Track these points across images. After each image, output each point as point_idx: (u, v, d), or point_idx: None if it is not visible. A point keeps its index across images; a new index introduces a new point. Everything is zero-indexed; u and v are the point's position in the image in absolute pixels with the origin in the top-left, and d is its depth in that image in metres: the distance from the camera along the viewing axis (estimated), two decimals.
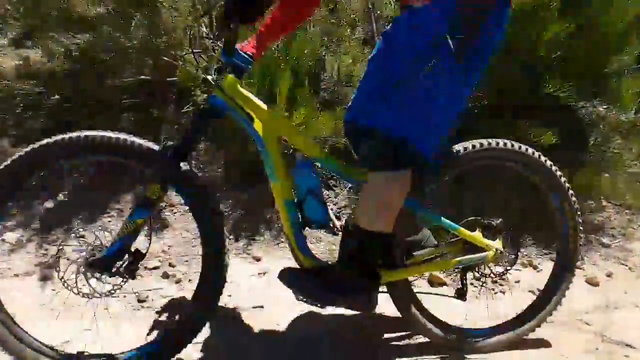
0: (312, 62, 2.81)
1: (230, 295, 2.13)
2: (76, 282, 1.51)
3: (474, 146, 1.70)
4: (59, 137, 1.48)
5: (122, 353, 1.61)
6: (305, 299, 1.61)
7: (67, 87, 2.71)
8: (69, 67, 2.80)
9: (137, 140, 1.52)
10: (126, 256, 1.53)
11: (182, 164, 1.54)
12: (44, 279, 2.12)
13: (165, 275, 2.24)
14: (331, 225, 1.69)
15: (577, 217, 1.84)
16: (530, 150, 1.75)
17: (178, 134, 2.72)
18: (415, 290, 1.84)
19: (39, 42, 2.91)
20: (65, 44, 2.79)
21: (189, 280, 2.21)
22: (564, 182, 1.81)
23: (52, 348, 1.59)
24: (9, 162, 1.48)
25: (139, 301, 2.05)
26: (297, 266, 1.70)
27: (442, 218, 1.73)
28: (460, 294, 1.85)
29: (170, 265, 2.32)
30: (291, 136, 1.65)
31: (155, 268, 2.28)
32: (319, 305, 1.63)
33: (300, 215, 1.65)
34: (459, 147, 1.71)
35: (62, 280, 1.53)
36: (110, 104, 2.79)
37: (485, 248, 1.79)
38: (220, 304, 1.67)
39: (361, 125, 1.52)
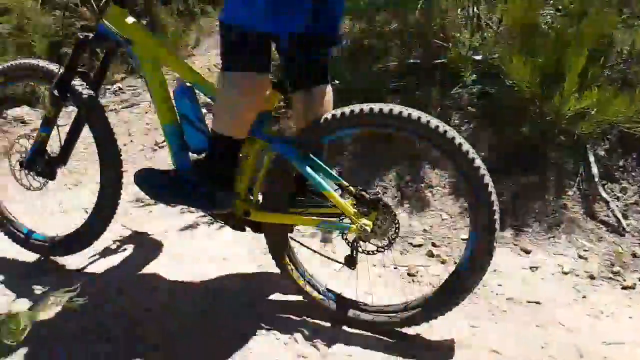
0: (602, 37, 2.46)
1: (500, 285, 2.03)
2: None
3: (371, 109, 1.52)
4: None
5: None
6: (151, 198, 1.82)
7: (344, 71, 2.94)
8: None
9: (44, 64, 1.95)
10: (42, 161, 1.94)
11: (75, 83, 1.84)
12: None
13: (430, 254, 2.25)
14: None
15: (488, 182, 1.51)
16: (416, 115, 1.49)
17: None
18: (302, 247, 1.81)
19: None
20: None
21: (454, 262, 2.18)
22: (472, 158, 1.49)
23: None
24: None
25: (409, 275, 2.11)
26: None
27: (315, 174, 1.57)
28: (349, 262, 1.68)
29: (434, 245, 2.33)
30: (167, 60, 1.72)
31: (419, 246, 2.33)
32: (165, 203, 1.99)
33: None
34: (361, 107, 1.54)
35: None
36: (376, 88, 2.94)
37: (351, 219, 1.58)
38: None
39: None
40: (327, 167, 1.61)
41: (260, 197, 1.73)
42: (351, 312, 1.73)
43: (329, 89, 1.76)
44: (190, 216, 2.47)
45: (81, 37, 1.82)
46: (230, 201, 1.68)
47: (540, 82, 2.27)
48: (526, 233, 2.33)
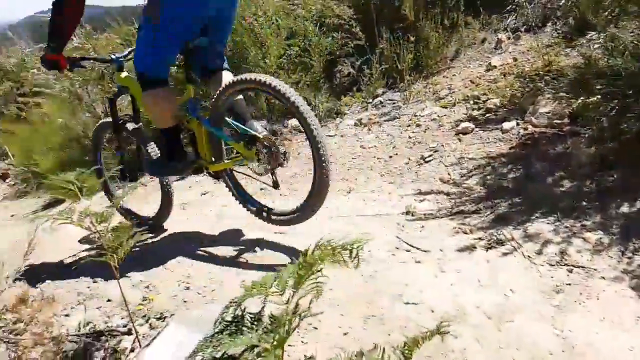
0: None
1: None
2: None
3: (241, 79, 2.32)
4: None
5: None
6: (151, 175, 3.08)
7: None
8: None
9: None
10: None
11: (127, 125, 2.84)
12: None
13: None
14: None
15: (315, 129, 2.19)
16: (276, 83, 2.22)
17: None
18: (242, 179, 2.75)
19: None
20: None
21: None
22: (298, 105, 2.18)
23: None
24: None
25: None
26: None
27: (222, 133, 2.51)
28: (275, 185, 2.48)
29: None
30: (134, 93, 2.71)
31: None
32: (158, 177, 2.88)
33: None
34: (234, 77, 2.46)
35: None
36: None
37: (243, 155, 2.43)
38: None
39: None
40: (235, 125, 2.40)
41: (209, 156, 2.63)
42: (268, 215, 2.61)
43: (225, 72, 2.62)
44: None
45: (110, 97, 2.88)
46: (180, 164, 2.67)
47: None
48: None
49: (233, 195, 2.72)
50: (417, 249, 2.32)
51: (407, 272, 2.17)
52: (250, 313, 1.14)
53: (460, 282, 2.09)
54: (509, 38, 4.00)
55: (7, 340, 2.13)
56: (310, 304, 0.99)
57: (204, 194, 3.71)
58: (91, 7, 2.70)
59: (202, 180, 3.91)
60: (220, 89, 2.40)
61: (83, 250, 2.97)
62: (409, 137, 3.37)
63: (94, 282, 2.53)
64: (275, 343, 0.88)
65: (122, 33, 5.67)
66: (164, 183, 2.91)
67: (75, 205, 3.41)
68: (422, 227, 2.51)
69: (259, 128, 2.39)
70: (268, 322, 1.06)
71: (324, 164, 2.20)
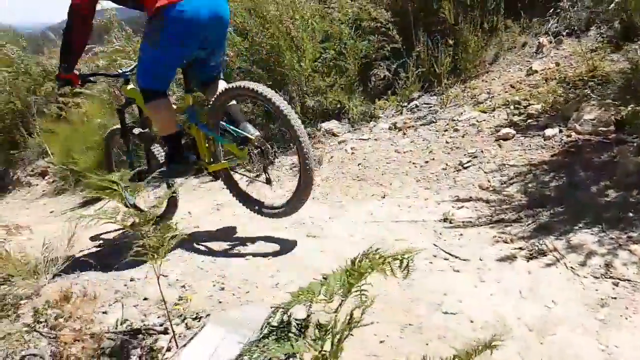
0: None
1: None
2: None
3: (233, 87, 2.63)
4: None
5: None
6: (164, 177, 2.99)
7: None
8: None
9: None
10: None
11: (134, 130, 3.09)
12: None
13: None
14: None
15: (299, 131, 2.44)
16: (264, 90, 2.51)
17: None
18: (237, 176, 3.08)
19: None
20: None
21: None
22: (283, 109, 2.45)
23: None
24: None
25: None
26: None
27: (218, 136, 2.79)
28: (267, 181, 2.77)
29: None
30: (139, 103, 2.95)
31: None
32: (169, 178, 3.06)
33: None
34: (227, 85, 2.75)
35: None
36: None
37: (235, 155, 2.75)
38: None
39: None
40: (230, 128, 2.68)
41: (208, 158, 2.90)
42: (260, 209, 2.87)
43: (220, 82, 2.87)
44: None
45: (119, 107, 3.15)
46: (184, 166, 2.88)
47: None
48: None
49: (230, 192, 3.00)
50: (456, 257, 2.27)
51: (446, 281, 2.12)
52: (296, 319, 1.12)
53: (500, 292, 2.03)
54: (550, 42, 3.89)
55: (49, 335, 2.19)
56: (362, 313, 0.97)
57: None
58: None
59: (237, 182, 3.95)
60: (215, 96, 2.70)
61: (121, 248, 3.03)
62: (446, 142, 3.31)
63: (130, 281, 2.57)
64: (329, 353, 0.86)
65: None
66: (169, 184, 3.19)
67: (114, 203, 3.48)
68: (461, 235, 2.45)
69: (251, 129, 2.64)
70: (315, 329, 1.05)
71: (308, 166, 2.48)
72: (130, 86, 2.97)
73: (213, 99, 2.71)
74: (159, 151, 3.07)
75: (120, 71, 3.02)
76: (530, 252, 2.23)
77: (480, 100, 3.62)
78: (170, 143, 2.78)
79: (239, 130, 2.64)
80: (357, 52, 4.10)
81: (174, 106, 2.97)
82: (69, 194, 5.18)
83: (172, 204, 3.16)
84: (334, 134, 3.98)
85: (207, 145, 2.85)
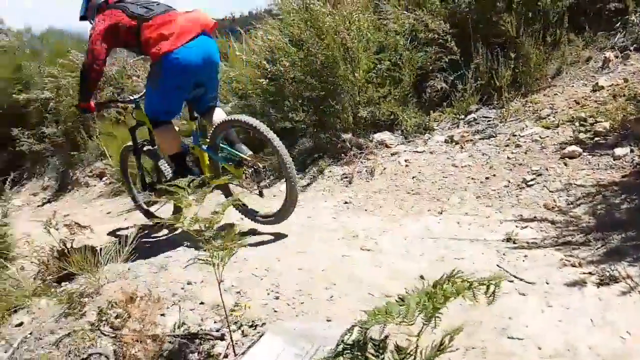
0: None
1: None
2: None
3: (230, 119, 3.09)
4: None
5: None
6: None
7: None
8: None
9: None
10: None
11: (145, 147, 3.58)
12: None
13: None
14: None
15: (284, 156, 2.90)
16: (256, 123, 2.96)
17: None
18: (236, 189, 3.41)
19: None
20: None
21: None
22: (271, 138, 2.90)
23: None
24: None
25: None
26: None
27: (218, 157, 3.22)
28: (260, 194, 3.15)
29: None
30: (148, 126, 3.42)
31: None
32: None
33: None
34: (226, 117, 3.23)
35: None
36: None
37: (232, 174, 3.17)
38: None
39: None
40: (231, 150, 3.13)
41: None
42: (254, 216, 3.27)
43: (217, 109, 3.33)
44: None
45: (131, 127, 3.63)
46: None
47: None
48: None
49: (232, 204, 3.60)
50: (521, 280, 2.17)
51: (511, 305, 2.03)
52: (372, 339, 1.10)
53: (569, 319, 1.93)
54: (617, 57, 3.71)
55: (109, 334, 2.25)
56: (451, 340, 0.93)
57: None
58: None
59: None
60: (215, 126, 3.14)
61: (179, 251, 3.09)
62: (508, 158, 3.20)
63: (187, 284, 2.61)
64: None
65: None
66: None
67: (170, 206, 3.64)
68: (525, 256, 2.35)
69: (245, 150, 3.13)
70: (395, 352, 1.01)
71: (292, 184, 2.90)
72: (140, 111, 3.39)
73: (214, 127, 3.13)
74: (165, 167, 3.49)
75: (132, 98, 3.48)
76: (600, 278, 2.11)
77: (543, 115, 3.49)
78: (176, 161, 3.27)
79: (235, 151, 3.11)
80: (413, 63, 4.05)
81: (179, 129, 3.53)
82: (124, 195, 5.36)
83: (178, 211, 3.38)
84: (386, 145, 3.93)
85: (208, 163, 3.29)
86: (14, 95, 6.42)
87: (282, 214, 3.09)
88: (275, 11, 4.88)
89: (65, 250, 3.03)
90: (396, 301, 1.11)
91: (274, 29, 4.73)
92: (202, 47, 2.93)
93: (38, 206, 6.27)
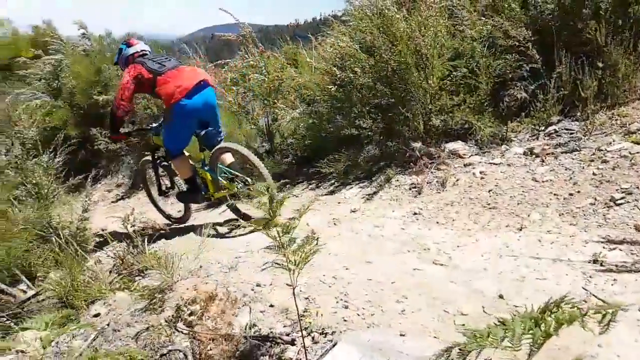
0: None
1: None
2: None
3: (223, 147, 3.94)
4: None
5: None
6: (180, 201, 4.42)
7: None
8: None
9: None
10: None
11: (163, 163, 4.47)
12: None
13: None
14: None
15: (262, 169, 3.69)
16: (239, 148, 3.85)
17: None
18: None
19: None
20: None
21: None
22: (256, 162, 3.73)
23: None
24: None
25: None
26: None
27: (218, 176, 4.02)
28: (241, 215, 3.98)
29: None
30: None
31: None
32: (185, 203, 4.43)
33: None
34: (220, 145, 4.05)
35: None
36: None
37: (228, 188, 3.97)
38: None
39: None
40: (228, 170, 3.97)
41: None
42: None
43: (222, 143, 4.05)
44: None
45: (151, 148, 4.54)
46: (197, 196, 4.25)
47: None
48: None
49: (229, 209, 4.05)
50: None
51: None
52: None
53: None
54: None
55: (182, 330, 2.31)
56: None
57: (354, 211, 3.72)
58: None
59: (351, 198, 3.94)
60: (212, 152, 3.95)
61: (247, 252, 3.14)
62: (594, 174, 2.99)
63: (257, 286, 2.64)
64: None
65: (283, 52, 6.12)
66: (186, 206, 4.45)
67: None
68: (615, 280, 2.18)
69: (237, 168, 3.95)
70: None
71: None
72: (158, 137, 4.18)
73: (212, 153, 3.97)
74: (180, 182, 4.36)
75: (151, 126, 4.29)
76: None
77: (632, 129, 3.24)
78: (189, 181, 4.15)
79: (229, 170, 3.94)
80: (491, 71, 3.90)
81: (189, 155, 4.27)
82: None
83: (187, 214, 4.51)
84: (459, 156, 3.81)
85: (212, 181, 4.09)
86: (94, 96, 6.78)
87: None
88: (344, 17, 4.88)
89: (141, 246, 3.16)
90: (496, 325, 1.06)
91: (343, 35, 4.72)
92: (202, 95, 3.79)
93: (112, 202, 6.61)
